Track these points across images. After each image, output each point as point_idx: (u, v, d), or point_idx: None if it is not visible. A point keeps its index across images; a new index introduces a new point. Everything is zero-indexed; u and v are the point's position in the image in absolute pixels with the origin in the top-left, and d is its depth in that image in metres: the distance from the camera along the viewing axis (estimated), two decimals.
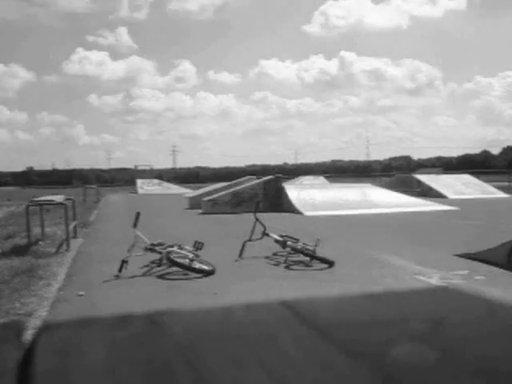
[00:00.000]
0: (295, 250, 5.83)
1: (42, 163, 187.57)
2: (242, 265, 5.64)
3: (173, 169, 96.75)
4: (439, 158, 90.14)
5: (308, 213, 12.30)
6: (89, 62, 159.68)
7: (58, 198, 8.29)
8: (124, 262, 5.15)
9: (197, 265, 5.21)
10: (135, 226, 5.58)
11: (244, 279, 4.86)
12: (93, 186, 29.38)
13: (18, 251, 6.68)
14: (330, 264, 5.42)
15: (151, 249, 5.52)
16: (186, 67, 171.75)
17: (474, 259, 5.44)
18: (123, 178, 71.41)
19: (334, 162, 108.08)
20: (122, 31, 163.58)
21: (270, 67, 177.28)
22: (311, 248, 5.76)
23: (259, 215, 6.44)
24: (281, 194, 14.13)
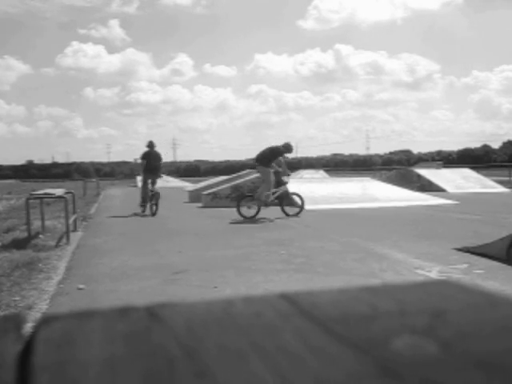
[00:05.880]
0: None
1: (41, 156, 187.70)
2: (244, 258, 5.64)
3: (173, 162, 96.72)
4: (439, 152, 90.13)
5: (308, 206, 12.29)
6: (83, 54, 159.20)
7: (58, 192, 8.30)
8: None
9: None
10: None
11: (246, 272, 4.87)
12: (93, 180, 29.41)
13: (19, 244, 6.69)
14: None
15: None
16: (183, 60, 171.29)
17: (473, 253, 5.45)
18: (123, 172, 71.43)
19: (334, 155, 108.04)
20: (114, 24, 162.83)
21: (266, 61, 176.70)
22: None
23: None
24: None
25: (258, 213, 9.73)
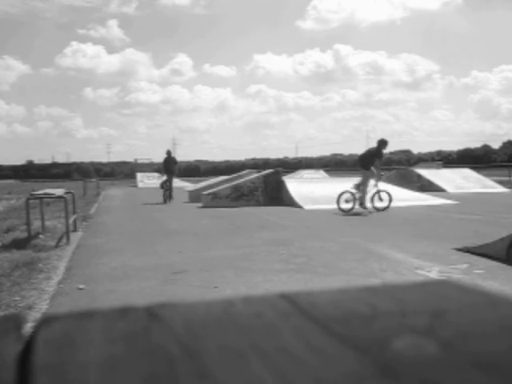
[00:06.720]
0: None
1: (41, 156, 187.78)
2: (244, 258, 5.64)
3: None
4: (439, 152, 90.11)
5: (308, 206, 12.31)
6: (83, 55, 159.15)
7: (58, 192, 8.29)
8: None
9: None
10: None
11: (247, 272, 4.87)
12: (93, 180, 29.42)
13: (19, 244, 6.69)
14: None
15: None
16: (183, 60, 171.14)
17: (473, 253, 5.45)
18: (123, 172, 71.45)
19: (334, 155, 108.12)
20: (113, 24, 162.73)
21: (265, 61, 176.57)
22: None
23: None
24: (281, 188, 14.13)
25: (353, 208, 10.74)
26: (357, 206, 10.89)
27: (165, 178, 16.25)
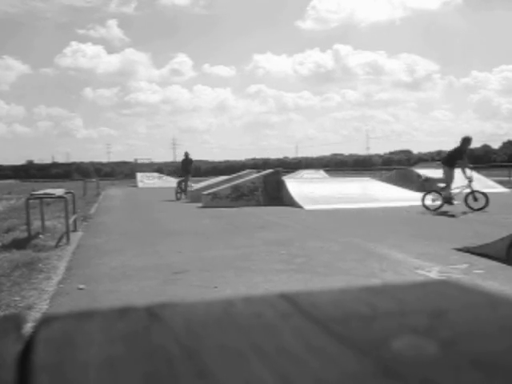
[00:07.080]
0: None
1: (41, 156, 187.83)
2: (244, 258, 5.64)
3: (173, 162, 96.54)
4: (439, 152, 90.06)
5: (308, 206, 12.31)
6: (82, 55, 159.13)
7: (58, 192, 8.29)
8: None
9: None
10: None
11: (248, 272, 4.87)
12: (93, 180, 29.43)
13: (19, 244, 6.69)
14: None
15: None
16: (182, 60, 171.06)
17: (473, 253, 5.45)
18: (123, 172, 71.46)
19: (334, 155, 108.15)
20: (112, 24, 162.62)
21: (265, 61, 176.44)
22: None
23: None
24: (281, 188, 14.13)
25: (441, 207, 10.71)
26: (445, 205, 10.76)
27: (182, 178, 18.16)
